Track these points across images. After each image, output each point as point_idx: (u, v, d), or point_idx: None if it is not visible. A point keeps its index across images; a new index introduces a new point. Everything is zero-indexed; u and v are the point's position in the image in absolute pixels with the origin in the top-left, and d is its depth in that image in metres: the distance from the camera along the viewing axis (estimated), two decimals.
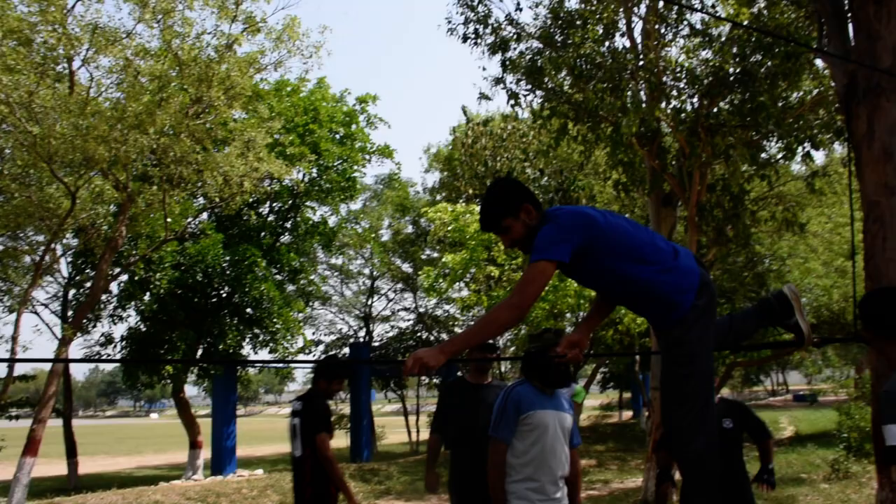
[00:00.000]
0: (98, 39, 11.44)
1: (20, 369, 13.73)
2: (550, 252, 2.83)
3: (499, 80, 11.78)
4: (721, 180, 11.58)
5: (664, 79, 10.45)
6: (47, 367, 14.87)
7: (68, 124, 10.83)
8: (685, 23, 10.72)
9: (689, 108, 10.73)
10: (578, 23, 10.84)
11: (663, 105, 10.54)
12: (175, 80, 11.99)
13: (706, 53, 10.37)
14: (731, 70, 9.86)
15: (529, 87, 11.68)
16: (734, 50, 9.85)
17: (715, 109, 10.60)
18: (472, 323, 2.88)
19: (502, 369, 26.53)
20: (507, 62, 11.56)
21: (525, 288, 2.82)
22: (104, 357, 17.98)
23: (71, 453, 18.74)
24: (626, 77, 10.36)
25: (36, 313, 18.80)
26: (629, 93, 10.44)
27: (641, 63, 10.43)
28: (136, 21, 12.11)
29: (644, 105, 10.08)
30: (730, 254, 14.67)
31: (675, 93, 10.70)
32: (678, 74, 10.46)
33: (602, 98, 10.48)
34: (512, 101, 11.74)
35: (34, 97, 10.36)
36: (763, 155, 11.51)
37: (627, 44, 11.21)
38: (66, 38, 10.96)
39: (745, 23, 9.49)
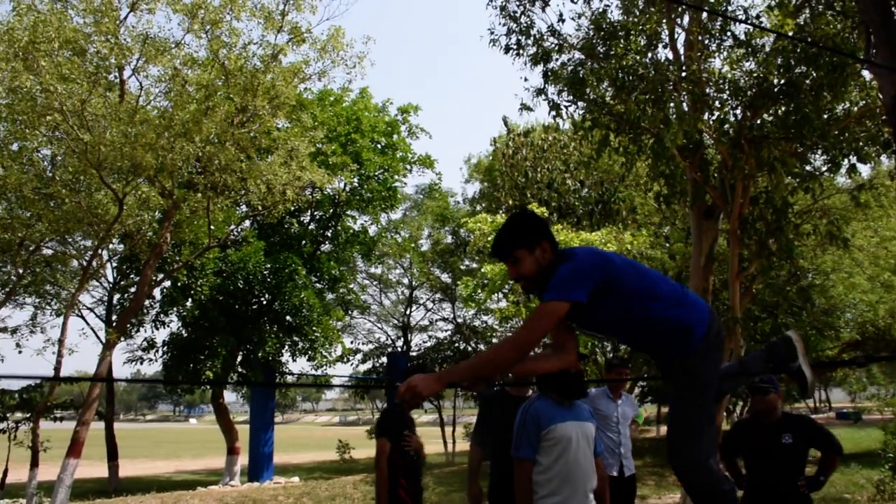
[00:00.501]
0: (148, 49, 11.72)
1: (64, 372, 14.02)
2: (567, 292, 2.75)
3: (540, 91, 11.78)
4: (764, 193, 11.43)
5: (707, 90, 10.37)
6: (91, 370, 15.17)
7: (118, 132, 11.09)
8: (729, 34, 10.62)
9: (732, 119, 10.62)
10: (621, 34, 10.80)
11: (706, 116, 10.45)
12: (221, 89, 12.21)
13: (750, 65, 10.26)
14: (776, 81, 9.74)
15: (571, 98, 11.66)
16: (778, 61, 9.74)
17: (758, 121, 10.47)
18: (476, 354, 2.80)
19: None
20: (549, 73, 11.55)
21: (533, 326, 2.75)
22: (143, 358, 18.27)
23: (112, 456, 19.06)
24: (668, 88, 10.29)
25: (82, 317, 19.22)
26: (671, 104, 10.37)
27: (684, 74, 10.37)
28: (184, 31, 12.38)
29: (686, 116, 10.00)
30: (772, 267, 14.44)
31: (717, 104, 10.59)
32: (721, 86, 10.37)
33: (644, 109, 10.42)
34: (553, 112, 11.74)
35: (86, 105, 10.63)
36: (807, 167, 11.34)
37: (670, 55, 11.15)
38: (118, 49, 11.24)
39: (790, 33, 9.39)
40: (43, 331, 17.75)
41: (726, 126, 10.53)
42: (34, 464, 13.50)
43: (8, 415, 15.57)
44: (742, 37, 10.38)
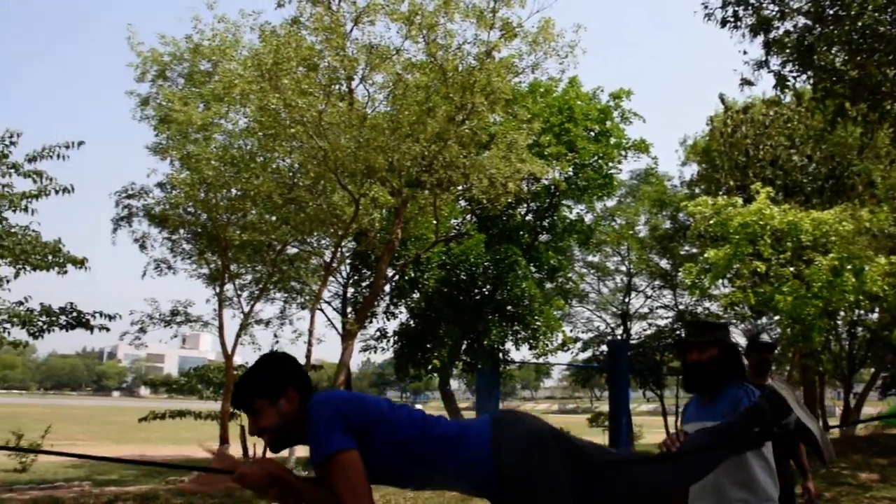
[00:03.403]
0: (372, 59, 12.48)
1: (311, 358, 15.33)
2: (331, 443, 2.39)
3: (762, 64, 11.20)
4: None
5: None
6: (333, 357, 16.47)
7: (350, 137, 11.95)
8: None
9: None
10: None
11: None
12: (441, 89, 12.74)
13: None
14: None
15: (797, 67, 10.99)
16: None
17: None
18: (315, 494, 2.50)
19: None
20: (771, 43, 10.94)
21: (355, 492, 2.37)
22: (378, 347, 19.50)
23: None
24: None
25: (321, 310, 20.85)
26: None
27: None
28: (403, 38, 13.04)
29: None
30: None
31: None
32: None
33: (885, 73, 9.60)
34: (778, 86, 11.12)
35: (322, 115, 11.55)
36: None
37: None
38: (347, 60, 12.08)
39: None
40: (291, 322, 19.49)
41: None
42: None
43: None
44: None
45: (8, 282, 10.01)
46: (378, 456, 2.48)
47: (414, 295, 17.90)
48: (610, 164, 20.58)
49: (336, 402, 2.49)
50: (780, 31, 10.93)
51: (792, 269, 11.80)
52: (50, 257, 9.97)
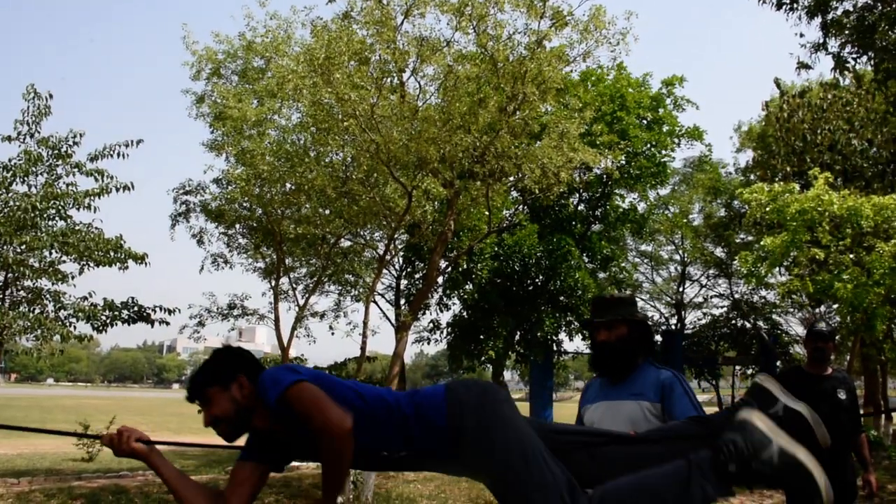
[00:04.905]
0: (423, 51, 12.50)
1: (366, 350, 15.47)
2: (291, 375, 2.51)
3: (819, 46, 10.94)
4: None
5: None
6: (387, 349, 16.61)
7: (402, 130, 12.01)
8: None
9: None
10: None
11: None
12: (492, 80, 12.72)
13: None
14: None
15: (857, 49, 10.71)
16: None
17: None
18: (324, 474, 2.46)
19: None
20: (830, 24, 10.69)
21: (320, 406, 2.43)
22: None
23: None
24: None
25: (375, 302, 21.04)
26: None
27: None
28: (453, 30, 13.03)
29: None
30: None
31: None
32: None
33: None
34: (836, 68, 10.85)
35: (375, 109, 11.63)
36: None
37: None
38: (398, 53, 12.13)
39: None
40: (345, 315, 19.71)
41: None
42: None
43: None
44: None
45: (73, 278, 10.34)
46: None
47: (467, 286, 17.96)
48: (663, 151, 20.33)
49: (285, 365, 2.62)
50: (839, 12, 10.68)
51: (852, 256, 11.53)
52: (112, 253, 10.24)
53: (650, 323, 3.83)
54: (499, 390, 2.66)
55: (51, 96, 10.08)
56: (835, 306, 18.29)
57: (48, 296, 10.25)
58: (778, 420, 2.44)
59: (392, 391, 2.72)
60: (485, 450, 2.46)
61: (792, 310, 25.93)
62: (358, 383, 2.76)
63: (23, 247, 9.62)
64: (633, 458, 2.58)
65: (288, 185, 13.72)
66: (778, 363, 20.82)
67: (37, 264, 9.89)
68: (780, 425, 2.42)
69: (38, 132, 10.05)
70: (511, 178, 14.00)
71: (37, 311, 10.06)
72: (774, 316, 25.66)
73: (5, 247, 9.56)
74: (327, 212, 14.58)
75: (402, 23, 12.79)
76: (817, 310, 23.52)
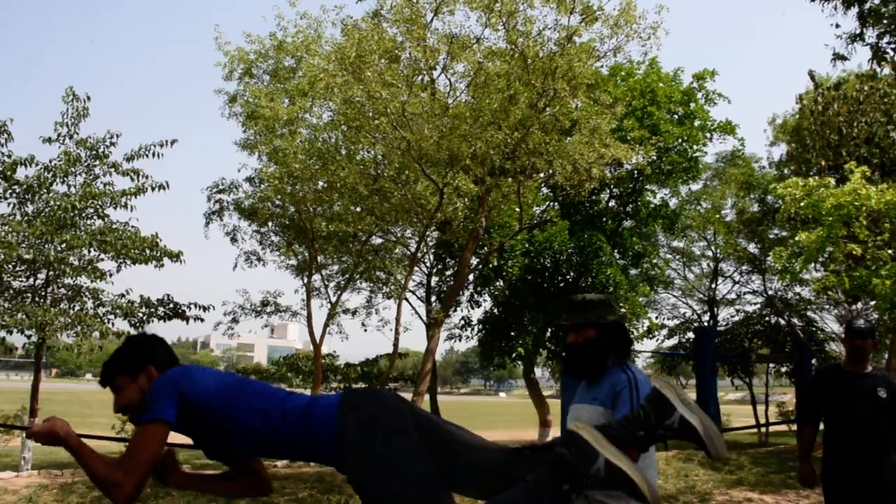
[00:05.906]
0: (453, 48, 12.55)
1: (400, 347, 15.58)
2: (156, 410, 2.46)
3: (856, 37, 10.79)
4: None
5: None
6: (418, 345, 16.69)
7: (433, 127, 12.07)
8: None
9: None
10: None
11: None
12: (522, 76, 12.72)
13: None
14: None
15: (895, 39, 10.54)
16: None
17: None
18: (91, 458, 2.43)
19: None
20: (867, 14, 10.53)
21: (134, 453, 2.41)
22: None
23: None
24: None
25: (406, 299, 21.16)
26: None
27: None
28: (483, 27, 13.06)
29: None
30: None
31: None
32: None
33: None
34: (874, 59, 10.68)
35: (406, 106, 11.71)
36: None
37: None
38: (428, 51, 12.19)
39: None
40: (377, 312, 19.87)
41: None
42: None
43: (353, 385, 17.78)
44: None
45: (111, 275, 10.56)
46: (228, 428, 2.54)
47: (498, 283, 17.96)
48: (695, 146, 20.11)
49: (175, 375, 2.57)
50: (877, 1, 10.53)
51: (890, 251, 11.36)
52: (148, 251, 10.43)
53: (626, 325, 3.73)
54: (392, 417, 2.53)
55: (88, 98, 10.29)
56: (872, 303, 18.00)
57: (87, 293, 10.49)
58: (673, 432, 2.41)
59: (294, 411, 2.61)
60: (361, 490, 2.45)
61: (827, 306, 25.54)
62: (261, 402, 2.64)
63: (63, 245, 9.84)
64: (486, 467, 2.60)
65: (320, 183, 13.86)
66: (813, 361, 20.53)
67: (76, 262, 10.12)
68: (676, 436, 2.42)
69: (77, 133, 10.28)
70: (542, 175, 13.99)
71: (77, 307, 10.29)
72: (809, 313, 25.31)
73: (47, 245, 9.77)
74: (359, 209, 14.70)
75: (431, 20, 12.85)
76: (854, 306, 23.16)
